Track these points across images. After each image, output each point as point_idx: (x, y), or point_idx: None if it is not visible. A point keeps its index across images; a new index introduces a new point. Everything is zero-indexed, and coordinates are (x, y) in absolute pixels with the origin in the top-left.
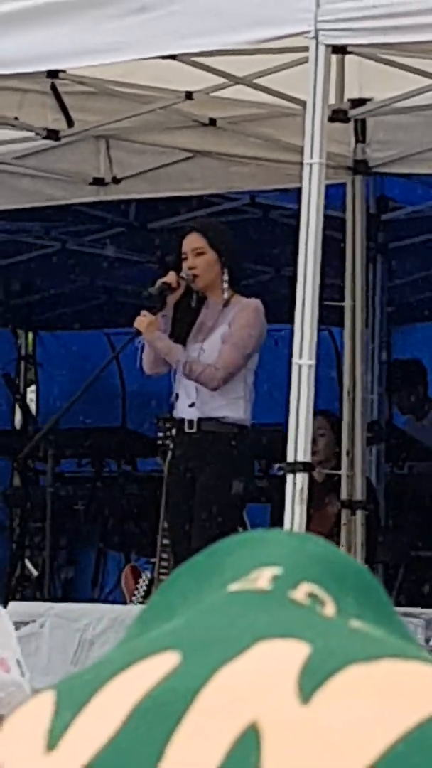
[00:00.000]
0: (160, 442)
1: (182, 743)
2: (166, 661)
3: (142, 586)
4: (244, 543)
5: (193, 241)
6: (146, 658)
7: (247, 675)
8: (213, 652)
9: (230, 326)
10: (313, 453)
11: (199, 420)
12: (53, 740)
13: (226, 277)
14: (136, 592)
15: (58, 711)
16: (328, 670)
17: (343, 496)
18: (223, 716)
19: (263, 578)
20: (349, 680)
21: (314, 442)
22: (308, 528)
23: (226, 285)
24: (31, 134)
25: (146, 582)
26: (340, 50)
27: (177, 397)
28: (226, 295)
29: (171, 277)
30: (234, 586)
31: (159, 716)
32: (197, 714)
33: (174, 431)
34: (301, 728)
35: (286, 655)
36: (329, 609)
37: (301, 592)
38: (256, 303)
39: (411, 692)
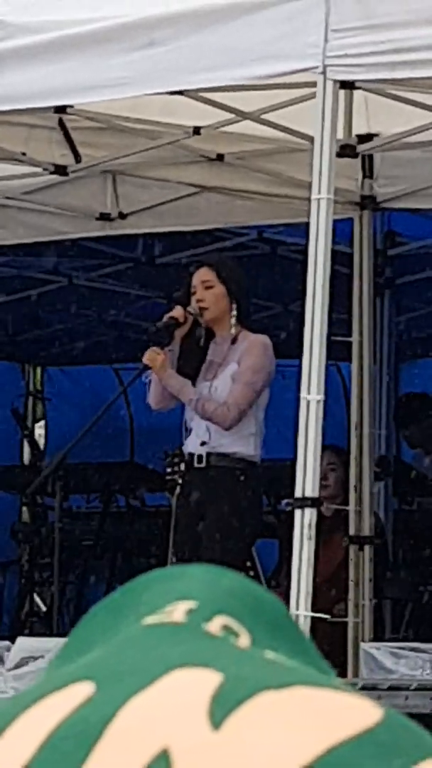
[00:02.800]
0: (168, 477)
1: None
2: (80, 691)
3: None
4: (161, 578)
5: (203, 275)
6: (62, 689)
7: (159, 702)
8: (126, 681)
9: (239, 364)
10: (324, 487)
11: (209, 455)
12: None
13: (234, 312)
14: None
15: None
16: (239, 696)
17: (352, 531)
18: (135, 743)
19: (178, 612)
20: (259, 706)
21: (325, 476)
22: (316, 564)
23: (234, 320)
24: (39, 169)
25: None
26: (347, 85)
27: (189, 432)
28: (233, 331)
29: (178, 311)
30: (149, 620)
31: (72, 745)
32: (109, 742)
33: (183, 466)
34: (212, 754)
35: (197, 683)
36: (244, 641)
37: (215, 625)
38: (264, 339)
39: (321, 718)
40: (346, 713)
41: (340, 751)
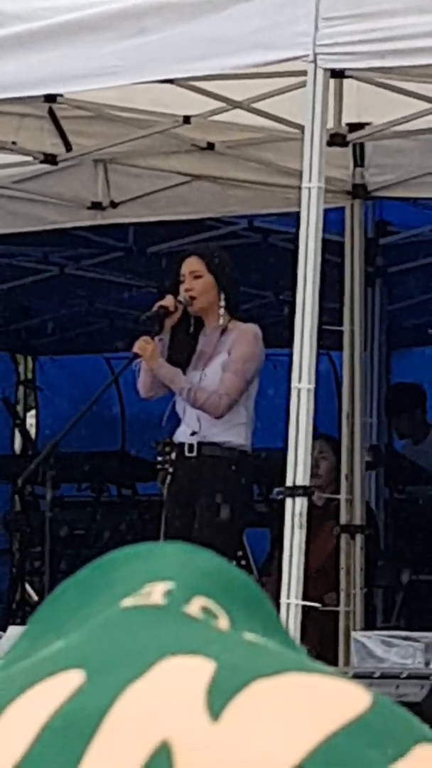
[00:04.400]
0: (159, 466)
1: (94, 763)
2: (71, 680)
3: None
4: (132, 557)
5: (191, 264)
6: (50, 677)
7: (155, 693)
8: (117, 670)
9: (230, 353)
10: (316, 476)
11: (199, 444)
12: None
13: (222, 303)
14: None
15: None
16: (234, 686)
17: (343, 520)
18: (134, 735)
19: (156, 593)
20: (255, 695)
21: (316, 465)
22: (307, 552)
23: (222, 310)
24: (29, 158)
25: None
26: (338, 74)
27: (177, 421)
28: (222, 321)
29: (168, 300)
30: (127, 602)
31: (69, 736)
32: (108, 733)
33: (173, 455)
34: (213, 746)
35: (192, 672)
36: (223, 622)
37: (194, 607)
38: (254, 328)
39: (315, 706)
40: (338, 699)
41: (337, 739)
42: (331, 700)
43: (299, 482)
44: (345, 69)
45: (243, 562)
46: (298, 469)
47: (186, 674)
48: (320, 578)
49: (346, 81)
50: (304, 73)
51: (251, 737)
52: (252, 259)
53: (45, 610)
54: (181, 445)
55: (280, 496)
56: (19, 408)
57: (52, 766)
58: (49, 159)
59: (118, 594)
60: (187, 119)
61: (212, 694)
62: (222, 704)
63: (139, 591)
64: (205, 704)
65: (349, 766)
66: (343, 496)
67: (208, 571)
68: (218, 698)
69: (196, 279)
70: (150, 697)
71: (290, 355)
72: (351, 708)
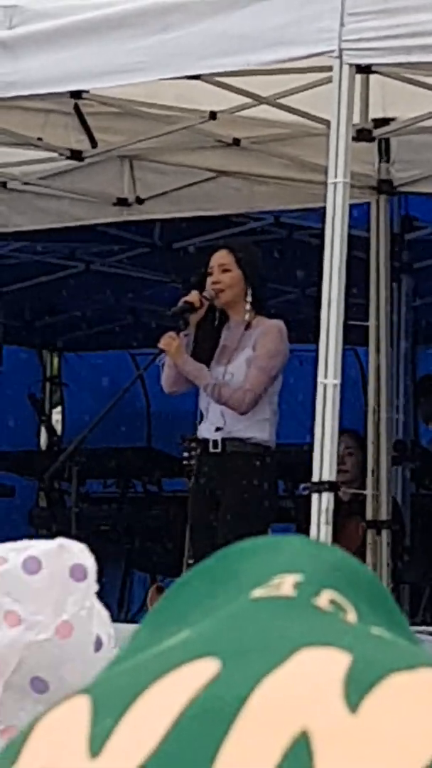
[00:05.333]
0: (185, 462)
1: (233, 751)
2: (206, 668)
3: None
4: (258, 549)
5: (221, 257)
6: (183, 665)
7: (293, 684)
8: (253, 659)
9: (254, 349)
10: (342, 472)
11: (224, 440)
12: (96, 746)
13: (249, 298)
14: None
15: (96, 716)
16: (371, 679)
17: (369, 516)
18: (273, 725)
19: (286, 585)
20: (393, 689)
21: (342, 461)
22: None
23: (249, 306)
24: (55, 155)
25: None
26: (364, 70)
27: (202, 418)
28: (247, 317)
29: (194, 296)
30: (257, 593)
31: (207, 724)
32: (246, 722)
33: (198, 451)
34: (352, 737)
35: (328, 664)
36: (351, 616)
37: (323, 600)
38: (279, 324)
39: None
40: None
41: None
42: None
43: (325, 478)
44: (371, 64)
45: None
46: (324, 465)
47: (323, 666)
48: None
49: (372, 76)
50: (329, 68)
51: (389, 730)
52: (278, 255)
53: (167, 600)
54: (206, 441)
55: (306, 492)
56: (45, 404)
57: (191, 753)
58: (75, 155)
59: (245, 585)
60: (213, 115)
61: (349, 686)
62: (360, 696)
63: (268, 582)
64: (342, 696)
65: None
66: (369, 491)
67: (335, 565)
68: (355, 690)
69: (224, 272)
70: (288, 687)
71: (316, 351)
72: None
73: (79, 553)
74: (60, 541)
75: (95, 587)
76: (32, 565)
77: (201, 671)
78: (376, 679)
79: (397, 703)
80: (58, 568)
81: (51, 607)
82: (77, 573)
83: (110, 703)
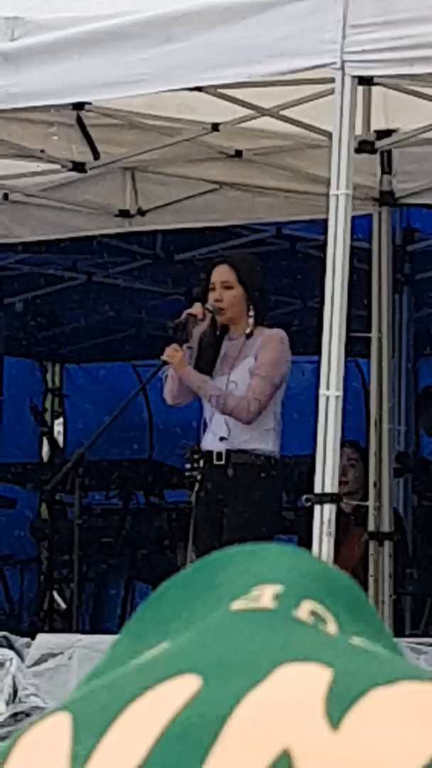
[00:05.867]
0: (188, 473)
1: None
2: (187, 685)
3: None
4: (237, 558)
5: (222, 274)
6: (164, 681)
7: (274, 701)
8: (234, 676)
9: (256, 358)
10: (344, 483)
11: (228, 452)
12: (78, 765)
13: (251, 313)
14: None
15: (77, 735)
16: (352, 694)
17: (371, 527)
18: (255, 743)
19: (266, 596)
20: (374, 704)
21: (344, 472)
22: (336, 559)
23: (251, 321)
24: (57, 166)
25: None
26: (366, 81)
27: (205, 428)
28: (249, 330)
29: (197, 308)
30: (237, 605)
31: (189, 743)
32: (228, 741)
33: (202, 463)
34: (333, 755)
35: (309, 680)
36: (331, 627)
37: (303, 611)
38: (280, 333)
39: (430, 716)
40: None
41: None
42: None
43: (327, 489)
44: (373, 76)
45: None
46: (326, 477)
47: (304, 682)
48: None
49: (374, 88)
50: (331, 80)
51: (372, 746)
52: (280, 267)
53: (147, 609)
54: (210, 452)
55: (308, 503)
56: (47, 416)
57: None
58: (78, 167)
59: (224, 596)
60: (215, 127)
61: (331, 702)
62: (341, 712)
63: (247, 593)
64: (324, 713)
65: None
66: (371, 503)
67: (314, 574)
68: (337, 706)
69: (226, 290)
70: (269, 705)
71: (318, 362)
72: None
73: None
74: None
75: None
76: None
77: (182, 688)
78: (357, 694)
79: (378, 719)
80: None
81: None
82: None
83: (91, 721)
